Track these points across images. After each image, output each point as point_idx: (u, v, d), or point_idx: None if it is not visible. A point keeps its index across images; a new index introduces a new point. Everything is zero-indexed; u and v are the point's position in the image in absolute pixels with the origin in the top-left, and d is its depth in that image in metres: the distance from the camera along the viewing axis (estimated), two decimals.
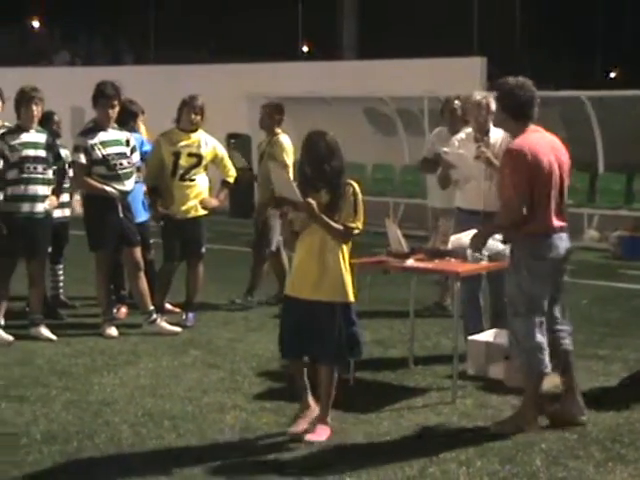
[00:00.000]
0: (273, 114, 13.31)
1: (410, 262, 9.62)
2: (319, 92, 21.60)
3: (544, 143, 8.30)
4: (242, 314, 12.94)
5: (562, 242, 8.31)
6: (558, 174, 8.24)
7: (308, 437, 7.94)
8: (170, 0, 50.26)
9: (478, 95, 10.57)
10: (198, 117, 12.07)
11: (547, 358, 8.23)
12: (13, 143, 11.01)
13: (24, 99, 11.07)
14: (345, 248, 8.13)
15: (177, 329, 11.85)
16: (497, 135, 10.18)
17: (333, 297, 8.04)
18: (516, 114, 8.30)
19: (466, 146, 10.37)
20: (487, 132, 10.29)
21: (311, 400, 8.30)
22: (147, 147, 12.47)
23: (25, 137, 11.09)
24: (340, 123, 21.45)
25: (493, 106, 9.71)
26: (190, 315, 12.32)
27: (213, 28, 48.04)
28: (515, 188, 8.12)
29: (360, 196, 8.20)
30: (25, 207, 11.05)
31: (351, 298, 8.18)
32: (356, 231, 8.09)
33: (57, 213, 11.86)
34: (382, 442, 8.06)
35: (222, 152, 12.59)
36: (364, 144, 21.46)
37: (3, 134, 11.23)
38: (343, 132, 21.25)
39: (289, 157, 13.04)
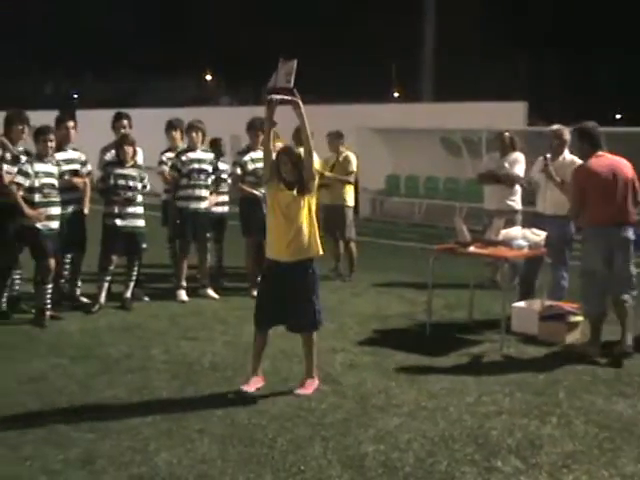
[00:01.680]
0: (338, 138, 13.30)
1: (472, 249, 9.66)
2: (407, 125, 21.62)
3: (602, 163, 8.80)
4: (350, 284, 12.86)
5: (604, 231, 8.74)
6: (614, 184, 8.70)
7: (298, 391, 7.49)
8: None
9: (555, 126, 10.73)
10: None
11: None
12: (184, 159, 11.26)
13: (191, 128, 11.41)
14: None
15: None
16: (568, 158, 10.32)
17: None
18: (592, 144, 8.93)
19: (538, 164, 10.52)
20: (559, 155, 10.40)
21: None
22: None
23: (192, 155, 11.34)
24: (421, 148, 21.58)
25: (566, 136, 10.36)
26: None
27: (321, 75, 48.27)
28: (574, 194, 8.94)
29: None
30: (192, 204, 11.29)
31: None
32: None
33: (218, 209, 12.02)
34: (448, 378, 8.03)
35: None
36: (439, 163, 21.60)
37: (178, 153, 11.46)
38: (423, 154, 21.49)
39: (353, 166, 13.19)
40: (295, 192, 7.33)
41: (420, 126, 21.41)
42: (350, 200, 13.27)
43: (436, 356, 8.82)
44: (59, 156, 10.37)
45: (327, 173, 12.84)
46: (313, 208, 7.49)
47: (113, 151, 10.96)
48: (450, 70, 41.28)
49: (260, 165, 11.38)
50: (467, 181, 20.39)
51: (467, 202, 19.58)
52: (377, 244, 17.34)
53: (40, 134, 9.90)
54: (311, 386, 7.58)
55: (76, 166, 10.64)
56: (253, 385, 7.48)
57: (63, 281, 10.81)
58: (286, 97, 7.27)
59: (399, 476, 5.76)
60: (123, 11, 58.43)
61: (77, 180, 10.59)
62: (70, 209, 10.47)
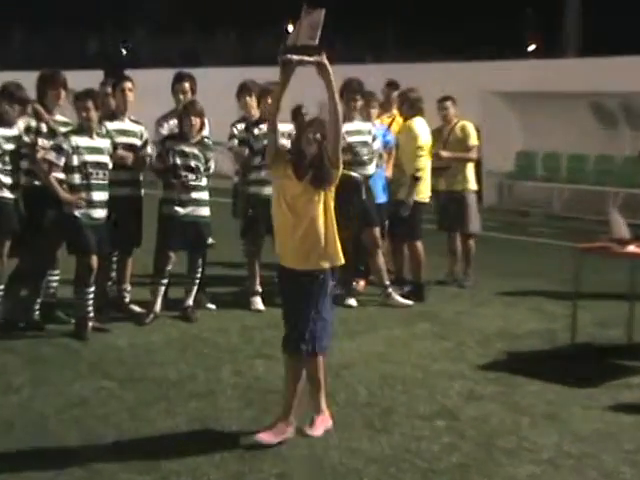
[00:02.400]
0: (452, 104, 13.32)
1: (632, 248, 9.48)
2: (545, 88, 21.30)
3: None
4: (470, 291, 12.84)
5: None
6: None
7: (307, 431, 7.28)
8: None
9: None
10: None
11: None
12: (257, 133, 11.28)
13: (269, 92, 11.22)
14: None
15: (409, 302, 11.85)
16: None
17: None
18: None
19: None
20: None
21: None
22: (389, 137, 12.57)
23: (265, 128, 11.09)
24: (564, 117, 21.20)
25: None
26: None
27: (448, 27, 48.04)
28: None
29: None
30: (266, 190, 11.01)
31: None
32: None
33: None
34: (599, 417, 7.90)
35: None
36: (586, 137, 21.16)
37: (250, 125, 11.46)
38: (567, 125, 21.15)
39: (473, 139, 13.24)
40: (308, 182, 7.12)
41: (563, 89, 21.09)
42: (472, 183, 13.25)
43: (583, 387, 8.69)
44: (111, 126, 10.52)
45: (444, 153, 12.78)
46: (331, 204, 7.30)
47: (172, 122, 11.05)
48: (602, 15, 40.65)
49: (357, 139, 11.45)
50: (624, 160, 20.10)
51: (624, 187, 19.32)
52: (504, 240, 17.30)
53: (80, 100, 10.05)
54: (321, 424, 7.38)
55: (134, 141, 10.82)
56: (320, 426, 7.39)
57: (110, 284, 10.98)
58: (307, 58, 7.00)
59: None
60: None
61: (126, 154, 10.70)
62: (122, 193, 10.58)
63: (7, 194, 9.88)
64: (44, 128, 10.09)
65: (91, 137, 9.95)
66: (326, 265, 7.18)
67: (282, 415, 7.24)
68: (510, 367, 9.30)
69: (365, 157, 11.62)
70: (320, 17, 7.10)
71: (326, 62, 6.97)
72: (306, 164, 7.09)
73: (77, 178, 9.86)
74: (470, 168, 13.11)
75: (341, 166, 7.25)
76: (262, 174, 11.27)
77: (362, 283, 12.70)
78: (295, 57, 7.04)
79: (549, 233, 18.16)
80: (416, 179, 12.10)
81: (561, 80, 21.42)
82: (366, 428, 7.48)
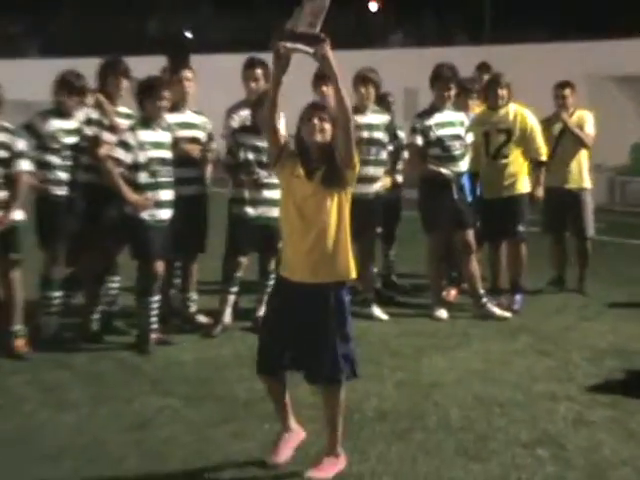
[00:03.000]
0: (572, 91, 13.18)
1: None
2: None
3: None
4: (578, 302, 12.75)
5: None
6: None
7: (311, 474, 6.99)
8: None
9: None
10: (504, 91, 12.05)
11: None
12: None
13: (358, 80, 11.39)
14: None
15: (507, 314, 11.78)
16: None
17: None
18: None
19: None
20: None
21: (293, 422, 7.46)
22: None
23: (358, 119, 10.86)
24: None
25: None
26: (517, 297, 12.21)
27: (550, 5, 47.74)
28: None
29: None
30: (357, 188, 10.96)
31: None
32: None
33: (387, 193, 12.02)
34: None
35: (532, 123, 12.24)
36: None
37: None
38: None
39: (591, 128, 13.15)
40: (319, 181, 6.93)
41: None
42: (588, 181, 13.17)
43: None
44: (171, 119, 10.59)
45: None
46: (346, 209, 7.05)
47: (243, 113, 11.06)
48: None
49: (448, 132, 11.42)
50: None
51: None
52: (617, 245, 17.13)
53: (146, 90, 10.14)
54: (332, 467, 7.12)
55: (197, 134, 10.91)
56: (282, 453, 7.28)
57: (174, 292, 11.04)
58: (304, 47, 6.74)
59: None
60: None
61: (193, 147, 10.78)
62: (186, 192, 10.65)
63: (62, 192, 10.04)
64: (106, 121, 10.21)
65: (155, 130, 10.04)
66: (342, 277, 7.04)
67: (329, 449, 7.18)
68: (624, 389, 9.18)
69: (457, 152, 11.56)
70: (325, 3, 6.87)
71: (329, 54, 6.66)
72: (314, 158, 6.92)
73: (143, 176, 9.97)
74: (585, 161, 12.98)
75: (357, 166, 7.00)
76: None
77: (453, 292, 12.68)
78: (290, 45, 6.79)
79: None
80: (542, 164, 12.21)
81: None
82: (459, 455, 7.46)
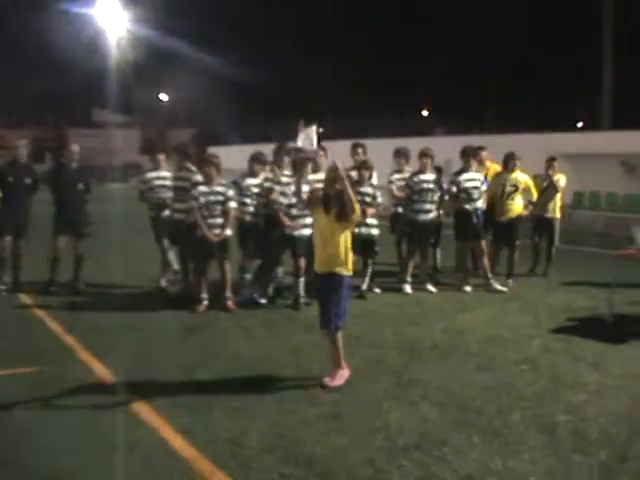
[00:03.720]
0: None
1: None
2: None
3: None
4: (545, 282, 12.51)
5: None
6: None
7: (325, 380, 6.97)
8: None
9: None
10: (515, 162, 12.08)
11: None
12: (416, 180, 11.45)
13: (423, 154, 11.57)
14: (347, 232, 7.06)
15: (504, 289, 11.62)
16: None
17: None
18: None
19: None
20: None
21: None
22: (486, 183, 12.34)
23: (422, 176, 11.42)
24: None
25: None
26: (510, 280, 11.95)
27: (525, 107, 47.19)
28: None
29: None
30: (421, 216, 11.41)
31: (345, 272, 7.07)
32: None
33: (436, 220, 12.04)
34: (630, 363, 7.75)
35: (529, 182, 12.24)
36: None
37: (412, 174, 11.57)
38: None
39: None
40: (333, 217, 6.96)
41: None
42: (558, 212, 13.26)
43: (618, 344, 8.51)
44: (312, 177, 10.78)
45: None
46: (349, 232, 7.04)
47: (352, 173, 11.26)
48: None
49: (471, 184, 11.43)
50: None
51: None
52: (568, 249, 16.83)
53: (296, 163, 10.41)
54: (340, 377, 7.05)
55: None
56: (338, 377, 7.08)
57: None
58: (309, 156, 7.71)
59: (585, 443, 5.69)
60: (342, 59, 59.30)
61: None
62: None
63: (251, 219, 10.35)
64: (276, 179, 10.45)
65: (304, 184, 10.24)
66: (339, 271, 7.01)
67: (336, 365, 7.11)
68: (571, 330, 9.10)
69: (475, 196, 11.55)
70: (313, 130, 7.46)
71: (322, 159, 7.94)
72: (331, 204, 6.94)
73: (294, 211, 10.18)
74: (558, 202, 13.23)
75: (357, 212, 6.94)
76: (418, 206, 11.43)
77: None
78: (302, 155, 7.57)
79: (595, 244, 17.66)
80: (532, 202, 12.37)
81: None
82: (477, 369, 7.51)
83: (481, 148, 12.72)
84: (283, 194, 10.21)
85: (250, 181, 10.54)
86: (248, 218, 10.53)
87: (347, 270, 7.07)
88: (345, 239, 7.03)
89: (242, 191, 10.46)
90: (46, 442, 5.68)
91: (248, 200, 10.49)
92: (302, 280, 10.25)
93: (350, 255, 7.08)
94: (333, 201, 6.95)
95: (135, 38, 50.41)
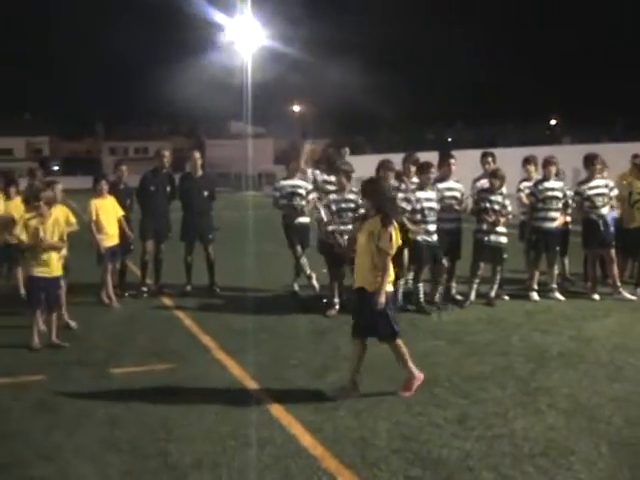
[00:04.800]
0: None
1: None
2: None
3: None
4: None
5: None
6: None
7: (400, 392, 6.82)
8: None
9: None
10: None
11: None
12: (540, 188, 11.21)
13: (548, 162, 11.32)
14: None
15: (633, 297, 11.17)
16: None
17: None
18: None
19: None
20: None
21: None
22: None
23: (547, 184, 11.18)
24: None
25: None
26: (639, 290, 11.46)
27: None
28: None
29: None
30: (546, 224, 11.14)
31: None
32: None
33: (562, 227, 11.81)
34: None
35: None
36: None
37: (536, 183, 11.34)
38: None
39: None
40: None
41: None
42: None
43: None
44: (441, 185, 10.79)
45: None
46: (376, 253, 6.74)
47: (483, 181, 11.20)
48: None
49: (596, 191, 11.19)
50: None
51: None
52: None
53: (420, 169, 10.46)
54: (412, 383, 6.88)
55: (455, 193, 10.92)
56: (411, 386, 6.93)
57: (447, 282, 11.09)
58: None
59: None
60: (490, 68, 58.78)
61: (450, 202, 10.85)
62: (449, 226, 10.77)
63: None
64: (403, 187, 10.52)
65: (426, 191, 10.31)
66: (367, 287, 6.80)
67: (407, 374, 6.93)
68: None
69: (599, 204, 11.21)
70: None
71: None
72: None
73: (418, 217, 10.18)
74: None
75: (390, 248, 6.75)
76: (543, 214, 11.20)
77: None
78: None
79: None
80: None
81: None
82: (610, 378, 7.31)
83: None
84: (407, 200, 10.21)
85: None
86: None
87: (368, 286, 6.81)
88: (372, 258, 6.78)
89: None
90: (185, 434, 5.94)
91: None
92: (421, 285, 10.33)
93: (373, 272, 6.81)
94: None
95: (269, 51, 51.54)
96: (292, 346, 8.57)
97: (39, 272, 8.61)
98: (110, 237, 10.94)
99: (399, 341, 6.92)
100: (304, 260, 11.56)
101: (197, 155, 12.22)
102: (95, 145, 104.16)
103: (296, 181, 11.64)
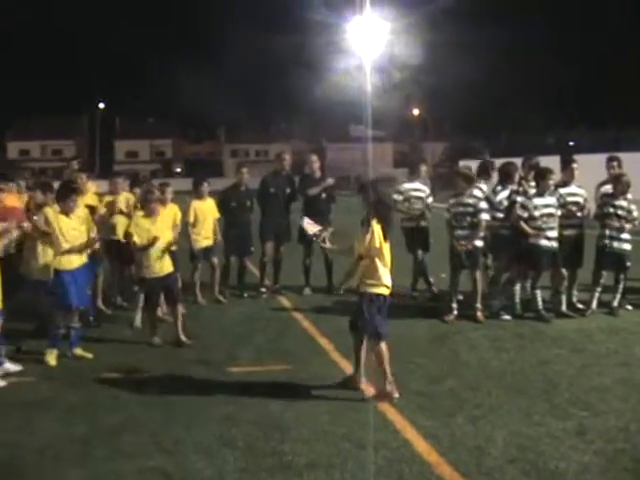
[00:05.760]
0: None
1: None
2: None
3: None
4: None
5: None
6: None
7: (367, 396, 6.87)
8: None
9: None
10: None
11: None
12: None
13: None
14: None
15: None
16: None
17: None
18: None
19: None
20: None
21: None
22: None
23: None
24: None
25: None
26: None
27: None
28: None
29: None
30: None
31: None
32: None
33: None
34: None
35: None
36: None
37: None
38: None
39: None
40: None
41: None
42: None
43: None
44: (563, 190, 10.49)
45: None
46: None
47: (607, 186, 10.80)
48: None
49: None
50: None
51: None
52: None
53: (539, 174, 10.24)
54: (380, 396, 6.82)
55: (578, 199, 10.56)
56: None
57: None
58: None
59: None
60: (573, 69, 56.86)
61: (574, 208, 10.50)
62: (571, 232, 10.45)
63: (506, 231, 10.26)
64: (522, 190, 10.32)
65: (544, 197, 10.02)
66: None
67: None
68: None
69: None
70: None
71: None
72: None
73: (539, 223, 9.92)
74: None
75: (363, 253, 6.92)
76: None
77: None
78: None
79: None
80: None
81: None
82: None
83: None
84: (523, 207, 9.97)
85: (503, 194, 10.39)
86: (502, 230, 10.33)
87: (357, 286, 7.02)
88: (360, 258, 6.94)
89: (494, 205, 10.30)
90: (300, 434, 6.00)
91: (499, 214, 10.32)
92: (538, 292, 10.05)
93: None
94: None
95: (389, 54, 51.53)
96: (409, 350, 8.49)
97: (152, 273, 8.91)
98: (204, 238, 11.33)
99: (383, 345, 6.88)
100: (424, 264, 11.49)
101: (314, 158, 12.36)
102: (216, 147, 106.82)
103: (417, 184, 11.61)
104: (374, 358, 6.93)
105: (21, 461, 5.54)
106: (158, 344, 8.83)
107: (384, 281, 6.90)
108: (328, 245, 8.18)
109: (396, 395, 6.75)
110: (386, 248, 6.94)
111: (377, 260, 6.87)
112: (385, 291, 6.93)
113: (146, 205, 9.12)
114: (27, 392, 7.15)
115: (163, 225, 9.20)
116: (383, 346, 6.87)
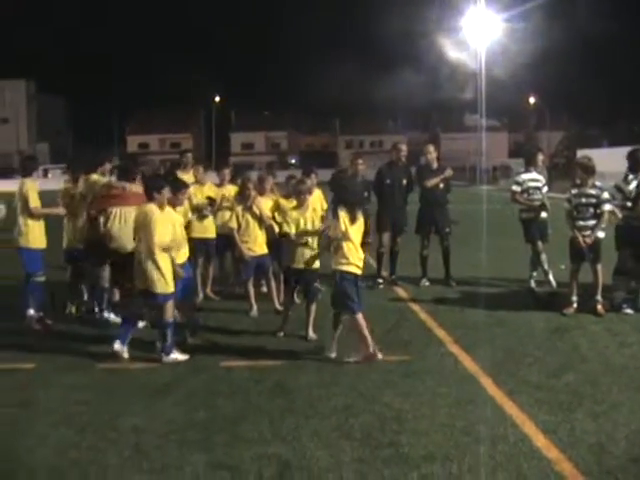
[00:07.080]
0: None
1: None
2: None
3: None
4: None
5: None
6: None
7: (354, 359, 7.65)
8: None
9: None
10: None
11: None
12: None
13: None
14: None
15: None
16: None
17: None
18: None
19: None
20: None
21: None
22: None
23: None
24: None
25: None
26: None
27: None
28: None
29: None
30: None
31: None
32: None
33: None
34: None
35: None
36: None
37: None
38: None
39: None
40: None
41: None
42: None
43: None
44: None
45: None
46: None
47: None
48: None
49: None
50: None
51: None
52: None
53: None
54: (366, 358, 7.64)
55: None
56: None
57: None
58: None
59: None
60: None
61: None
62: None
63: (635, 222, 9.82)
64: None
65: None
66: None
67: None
68: None
69: None
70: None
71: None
72: None
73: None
74: None
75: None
76: None
77: None
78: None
79: None
80: None
81: None
82: None
83: None
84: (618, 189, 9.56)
85: (632, 185, 9.88)
86: (631, 221, 9.83)
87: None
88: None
89: (625, 195, 9.85)
90: (417, 426, 5.95)
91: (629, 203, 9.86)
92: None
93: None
94: None
95: (505, 42, 50.41)
96: (527, 343, 8.32)
97: (297, 264, 8.75)
98: None
99: (359, 316, 7.67)
100: (544, 256, 11.23)
101: (431, 149, 12.22)
102: (331, 139, 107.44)
103: (534, 174, 11.35)
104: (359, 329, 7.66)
105: (147, 446, 5.70)
106: (279, 335, 8.88)
107: (352, 260, 7.73)
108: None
109: (379, 356, 7.63)
110: (353, 231, 7.78)
111: (344, 243, 7.72)
112: (355, 269, 7.76)
113: (297, 196, 9.08)
114: (150, 377, 7.37)
115: (313, 215, 8.94)
116: (359, 316, 7.68)
